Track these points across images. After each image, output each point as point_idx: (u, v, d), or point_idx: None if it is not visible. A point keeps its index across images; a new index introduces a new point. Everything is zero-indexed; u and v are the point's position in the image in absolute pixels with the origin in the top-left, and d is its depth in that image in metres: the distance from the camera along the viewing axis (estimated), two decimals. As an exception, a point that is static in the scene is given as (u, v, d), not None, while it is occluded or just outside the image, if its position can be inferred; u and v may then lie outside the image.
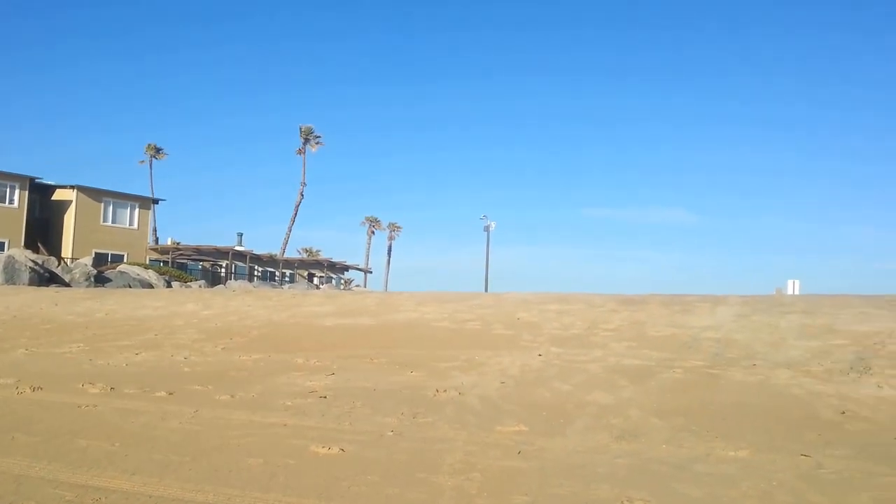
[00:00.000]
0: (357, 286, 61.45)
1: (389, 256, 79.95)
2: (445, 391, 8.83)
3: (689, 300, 16.69)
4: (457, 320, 14.66)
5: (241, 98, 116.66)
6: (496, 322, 14.29)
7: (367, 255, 75.28)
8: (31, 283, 31.95)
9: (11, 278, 31.63)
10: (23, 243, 40.35)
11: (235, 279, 47.98)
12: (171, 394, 8.96)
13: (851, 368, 9.49)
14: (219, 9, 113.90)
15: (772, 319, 13.64)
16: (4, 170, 41.37)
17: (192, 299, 21.24)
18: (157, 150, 64.83)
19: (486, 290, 46.56)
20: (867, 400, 7.93)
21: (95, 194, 45.30)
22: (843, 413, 7.45)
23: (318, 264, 63.59)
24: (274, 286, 42.18)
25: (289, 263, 59.89)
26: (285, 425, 7.38)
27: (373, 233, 77.08)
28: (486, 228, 57.22)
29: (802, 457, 6.03)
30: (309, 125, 64.78)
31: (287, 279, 57.80)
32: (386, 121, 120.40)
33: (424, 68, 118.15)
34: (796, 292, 31.32)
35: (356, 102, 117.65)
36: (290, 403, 8.40)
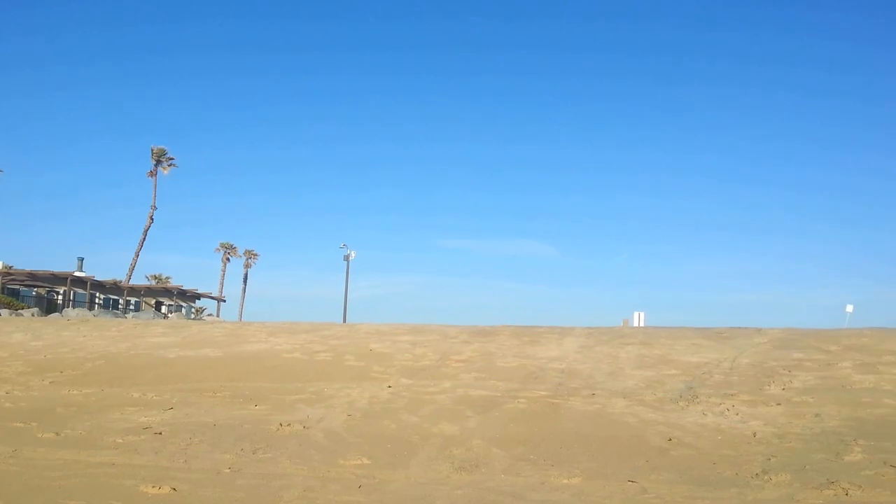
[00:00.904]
0: (210, 315, 59.06)
1: (245, 285, 77.37)
2: (290, 425, 8.61)
3: (539, 331, 17.24)
4: (308, 351, 14.38)
5: (87, 117, 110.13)
6: (348, 353, 14.15)
7: (222, 283, 72.48)
8: None
9: None
10: None
11: (74, 307, 44.83)
12: (-15, 433, 8.22)
13: (680, 397, 10.10)
14: (62, 23, 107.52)
15: (613, 350, 14.32)
16: None
17: (21, 328, 19.68)
18: (-10, 167, 59.95)
19: (345, 320, 46.12)
20: (692, 427, 8.45)
21: None
22: (670, 440, 7.90)
23: (168, 292, 60.63)
24: (117, 315, 39.77)
25: (134, 291, 56.67)
26: (114, 465, 6.93)
27: (228, 260, 74.38)
28: (346, 258, 56.71)
29: (630, 482, 6.32)
30: (161, 146, 62.03)
31: (132, 308, 54.63)
32: (244, 145, 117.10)
33: (282, 87, 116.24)
34: (641, 324, 33.06)
35: (212, 125, 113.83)
36: (121, 441, 7.91)
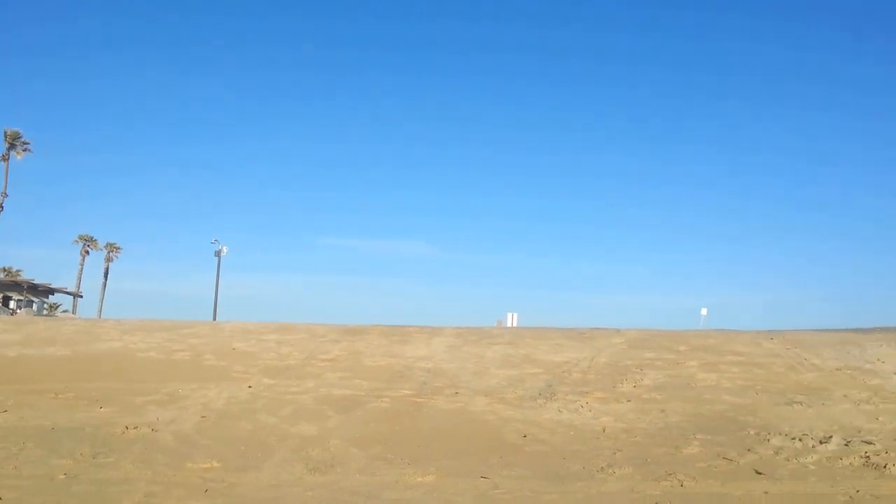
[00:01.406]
0: (65, 312, 55.58)
1: (106, 280, 73.09)
2: (136, 428, 8.21)
3: (409, 331, 17.29)
4: (165, 350, 13.79)
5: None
6: (208, 352, 13.67)
7: (80, 278, 68.20)
8: None
9: None
10: None
11: None
12: None
13: (540, 395, 10.39)
14: None
15: (480, 350, 14.56)
16: None
17: None
18: None
19: (215, 318, 44.59)
20: (547, 423, 8.71)
21: None
22: (525, 436, 8.11)
23: (17, 286, 56.44)
24: (-42, 312, 36.77)
25: (-22, 285, 52.60)
26: (-67, 473, 6.38)
27: (87, 253, 69.98)
28: (218, 253, 54.78)
29: (482, 479, 6.43)
30: (15, 129, 57.75)
31: (-24, 303, 50.67)
32: (105, 127, 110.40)
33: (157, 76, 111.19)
34: (515, 324, 33.83)
35: (71, 105, 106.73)
36: (-56, 447, 7.30)
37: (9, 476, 6.32)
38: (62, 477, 6.34)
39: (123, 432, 8.03)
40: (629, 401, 9.97)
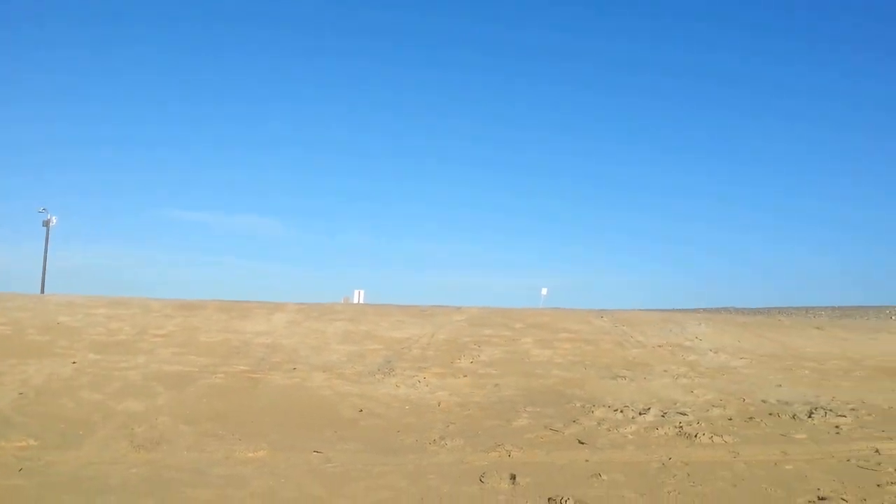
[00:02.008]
0: None
1: (-87, 248, 66.28)
2: (-58, 406, 7.57)
3: (249, 306, 16.90)
4: (-20, 325, 12.73)
5: None
6: (31, 326, 12.76)
7: None
8: None
9: None
10: None
11: None
12: None
13: (378, 370, 10.52)
14: None
15: (322, 326, 14.49)
16: None
17: None
18: None
19: (43, 292, 41.47)
20: (384, 398, 8.84)
21: None
22: (361, 411, 8.20)
23: None
24: None
25: None
26: None
27: None
28: (46, 223, 50.95)
29: (315, 453, 6.46)
30: None
31: None
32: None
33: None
34: (361, 301, 33.81)
35: None
36: None
37: None
38: None
39: (-76, 411, 7.39)
40: (465, 376, 10.31)
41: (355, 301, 34.68)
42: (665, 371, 11.11)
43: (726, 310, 28.45)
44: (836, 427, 7.53)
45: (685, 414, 8.16)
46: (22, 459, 6.01)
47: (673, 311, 23.91)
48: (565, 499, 5.14)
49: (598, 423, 7.74)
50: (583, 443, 6.96)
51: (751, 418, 7.95)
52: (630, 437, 7.21)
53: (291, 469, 5.95)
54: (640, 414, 8.14)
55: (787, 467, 6.05)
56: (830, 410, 8.25)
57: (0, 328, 12.65)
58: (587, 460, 6.32)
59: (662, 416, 8.09)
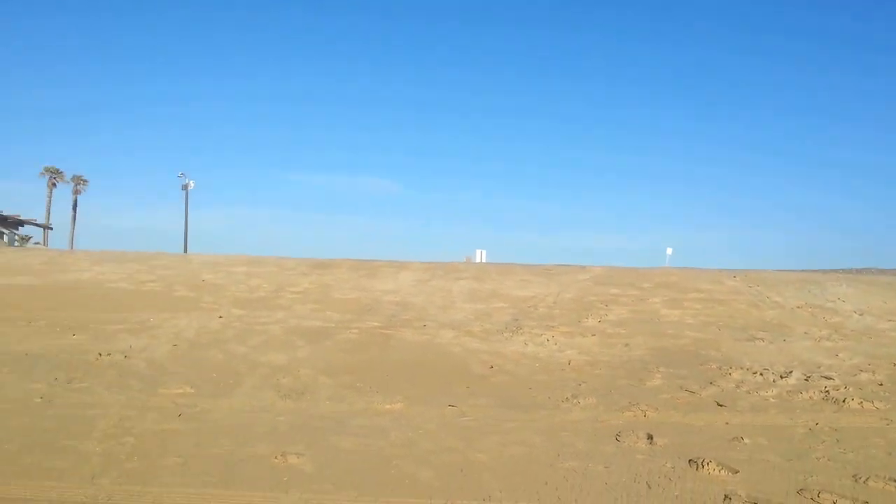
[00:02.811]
0: (37, 244, 54.72)
1: (75, 212, 71.92)
2: (109, 354, 8.25)
3: (376, 265, 17.38)
4: (135, 281, 13.74)
5: None
6: (178, 283, 13.65)
7: (48, 210, 67.11)
8: None
9: None
10: None
11: None
12: None
13: (506, 328, 10.59)
14: None
15: (447, 284, 14.71)
16: None
17: None
18: None
19: (186, 251, 44.22)
20: (512, 356, 8.90)
21: None
22: (491, 367, 8.29)
23: (-14, 218, 55.50)
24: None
25: (-55, 215, 51.48)
26: None
27: (54, 185, 68.76)
28: (185, 187, 54.10)
29: (449, 407, 6.60)
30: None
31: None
32: (74, 58, 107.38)
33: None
34: (483, 261, 34.09)
35: (40, 36, 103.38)
36: (-89, 372, 7.28)
37: (-18, 400, 6.35)
38: (38, 400, 6.38)
39: (97, 359, 8.07)
40: (594, 335, 10.21)
41: (477, 261, 34.93)
42: (806, 333, 10.58)
43: (868, 271, 26.70)
44: None
45: (831, 378, 7.76)
46: (180, 406, 6.46)
47: (807, 271, 22.70)
48: (707, 461, 5.02)
49: (737, 386, 7.49)
50: (721, 405, 6.76)
51: (904, 384, 7.48)
52: (772, 400, 6.94)
53: (427, 422, 6.11)
54: (781, 377, 7.81)
55: (949, 436, 5.66)
56: None
57: (151, 285, 13.61)
58: (727, 423, 6.15)
59: (806, 379, 7.73)
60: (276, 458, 5.08)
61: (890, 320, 11.60)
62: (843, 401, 6.80)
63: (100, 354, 8.27)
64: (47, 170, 68.60)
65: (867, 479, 4.70)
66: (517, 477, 4.77)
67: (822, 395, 7.04)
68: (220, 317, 10.81)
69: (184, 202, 53.28)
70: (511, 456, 5.23)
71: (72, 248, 58.69)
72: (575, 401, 6.89)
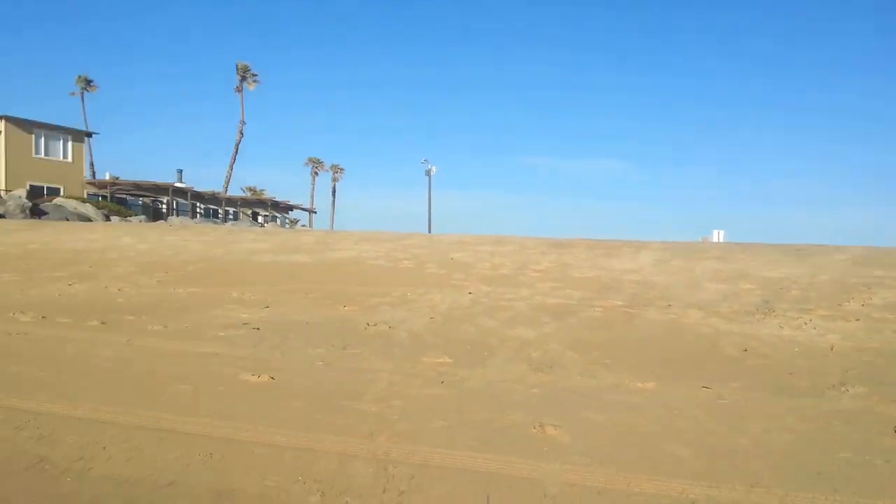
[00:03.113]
0: (303, 226, 60.95)
1: (334, 198, 79.37)
2: (376, 325, 9.09)
3: (614, 245, 17.27)
4: (392, 259, 14.88)
5: (174, 34, 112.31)
6: (430, 261, 14.57)
7: (312, 196, 74.49)
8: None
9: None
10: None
11: (177, 216, 47.01)
12: (103, 323, 8.98)
13: (757, 310, 10.11)
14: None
15: (689, 264, 14.29)
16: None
17: (129, 233, 20.89)
18: (88, 83, 61.76)
19: (430, 231, 46.77)
20: (768, 339, 8.51)
21: (26, 125, 42.68)
22: (745, 350, 8.01)
23: (262, 203, 62.60)
24: (217, 224, 41.50)
25: (231, 202, 58.77)
26: (216, 354, 7.53)
27: (316, 174, 76.21)
28: (428, 172, 57.38)
29: (704, 388, 6.51)
30: (245, 62, 62.57)
31: (231, 217, 56.88)
32: (326, 62, 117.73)
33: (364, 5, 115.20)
34: (721, 241, 32.49)
35: (295, 42, 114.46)
36: (222, 334, 8.53)
37: (277, 361, 7.32)
38: (319, 364, 7.24)
39: (365, 328, 8.95)
40: (857, 319, 9.44)
41: (714, 241, 33.27)
42: None
43: None
44: None
45: None
46: (441, 374, 6.99)
47: None
48: None
49: None
50: None
51: None
52: None
53: (682, 402, 6.09)
54: None
55: None
56: None
57: (405, 263, 14.65)
58: None
59: None
60: (533, 427, 5.36)
61: None
62: None
63: (367, 325, 9.13)
64: (310, 160, 75.91)
65: None
66: (786, 465, 4.64)
67: None
68: (470, 293, 11.42)
69: (427, 186, 56.41)
70: (777, 442, 5.08)
71: (331, 228, 64.27)
72: (843, 388, 6.49)
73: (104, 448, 4.75)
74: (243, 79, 62.43)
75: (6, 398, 5.76)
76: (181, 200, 52.73)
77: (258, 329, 8.81)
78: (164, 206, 51.55)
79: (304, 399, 6.01)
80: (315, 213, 70.08)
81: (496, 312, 10.00)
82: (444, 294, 11.30)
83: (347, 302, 10.65)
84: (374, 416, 5.60)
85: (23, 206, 34.61)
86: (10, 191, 39.27)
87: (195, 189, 53.93)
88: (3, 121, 41.68)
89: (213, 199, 56.22)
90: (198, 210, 54.14)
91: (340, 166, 79.27)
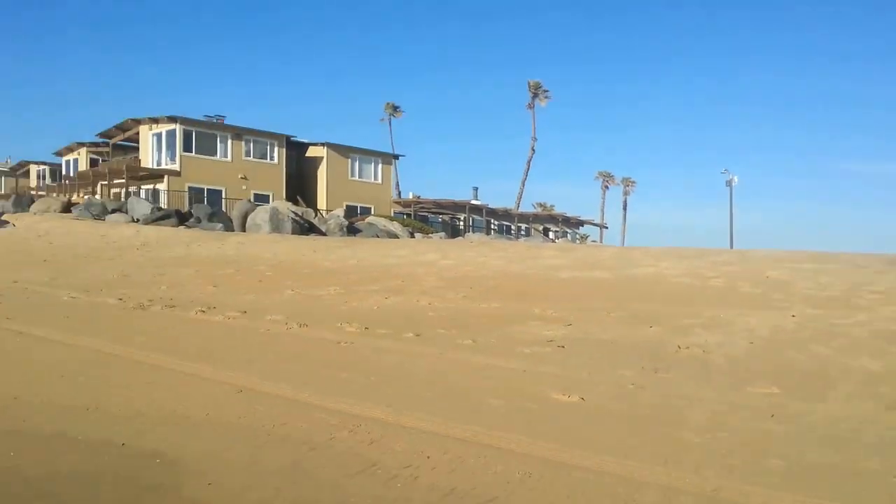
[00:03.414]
0: (593, 242, 60.84)
1: (625, 212, 77.87)
2: (688, 348, 8.49)
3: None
4: (698, 276, 13.99)
5: (467, 55, 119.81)
6: (742, 280, 13.44)
7: (602, 211, 73.93)
8: (294, 232, 35.10)
9: (277, 228, 35.01)
10: (284, 196, 44.36)
11: (473, 232, 49.60)
12: (417, 335, 9.50)
13: None
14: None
15: None
16: (265, 129, 45.36)
17: (432, 249, 22.26)
18: (395, 109, 67.73)
19: (731, 247, 43.92)
20: None
21: (343, 151, 48.26)
22: None
23: (553, 219, 63.74)
24: (511, 239, 43.01)
25: (524, 217, 60.66)
26: (524, 371, 7.53)
27: (606, 188, 75.52)
28: (729, 183, 53.76)
29: None
30: (537, 80, 64.19)
31: (522, 233, 58.74)
32: (614, 74, 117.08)
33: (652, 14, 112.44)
34: None
35: (584, 56, 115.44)
36: (528, 351, 8.54)
37: (584, 381, 7.10)
38: (630, 386, 6.88)
39: (676, 351, 8.39)
40: None
41: None
42: None
43: None
44: None
45: None
46: (771, 406, 6.25)
47: None
48: None
49: None
50: None
51: None
52: None
53: None
54: None
55: None
56: None
57: (713, 281, 13.67)
58: None
59: None
60: (893, 477, 4.53)
61: None
62: None
63: (678, 347, 8.57)
64: (600, 174, 75.53)
65: None
66: None
67: None
68: (793, 315, 10.26)
69: (728, 198, 52.95)
70: None
71: (622, 244, 63.31)
72: None
73: (428, 457, 4.87)
74: (535, 95, 64.05)
75: (340, 402, 6.22)
76: (476, 217, 55.37)
77: (563, 347, 8.68)
78: (461, 223, 54.52)
79: (618, 422, 5.72)
80: (606, 228, 69.37)
81: (828, 339, 8.83)
82: (763, 316, 10.27)
83: (653, 322, 10.13)
84: (698, 447, 5.13)
85: (341, 224, 38.64)
86: (331, 210, 44.14)
87: (489, 206, 56.34)
88: (325, 147, 47.16)
89: (506, 215, 58.25)
90: (492, 226, 56.47)
91: (632, 179, 77.48)
